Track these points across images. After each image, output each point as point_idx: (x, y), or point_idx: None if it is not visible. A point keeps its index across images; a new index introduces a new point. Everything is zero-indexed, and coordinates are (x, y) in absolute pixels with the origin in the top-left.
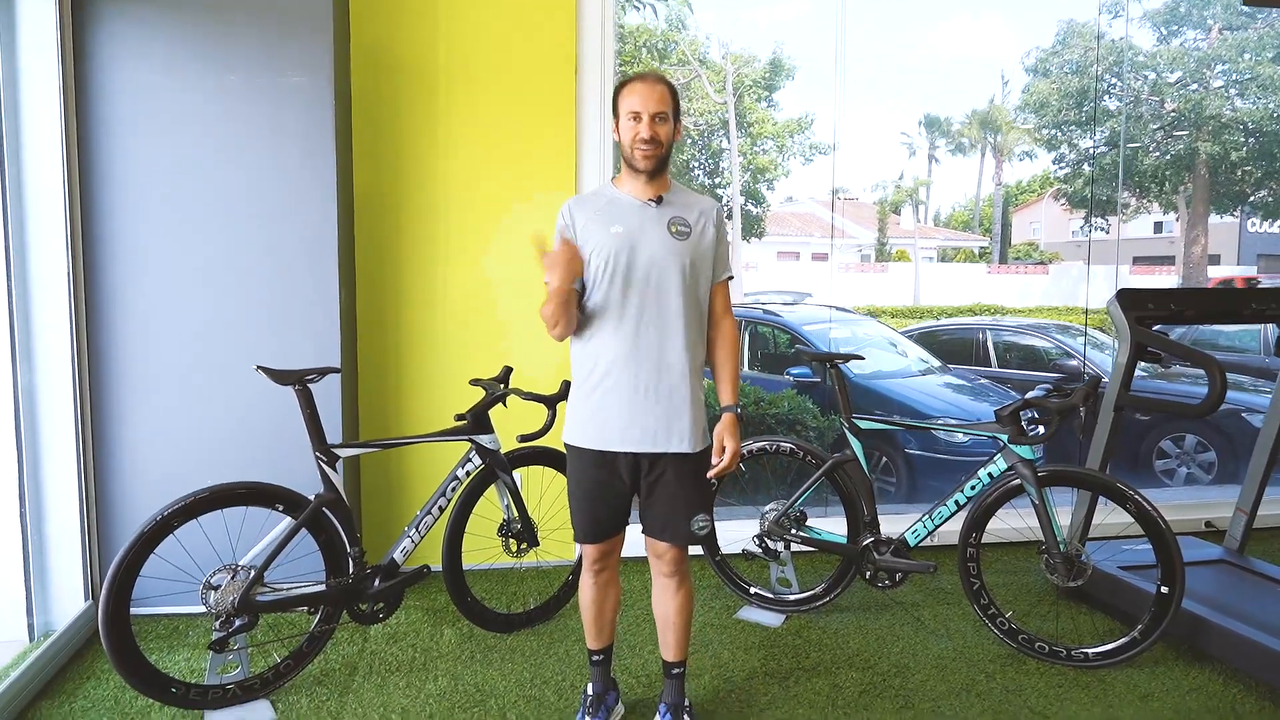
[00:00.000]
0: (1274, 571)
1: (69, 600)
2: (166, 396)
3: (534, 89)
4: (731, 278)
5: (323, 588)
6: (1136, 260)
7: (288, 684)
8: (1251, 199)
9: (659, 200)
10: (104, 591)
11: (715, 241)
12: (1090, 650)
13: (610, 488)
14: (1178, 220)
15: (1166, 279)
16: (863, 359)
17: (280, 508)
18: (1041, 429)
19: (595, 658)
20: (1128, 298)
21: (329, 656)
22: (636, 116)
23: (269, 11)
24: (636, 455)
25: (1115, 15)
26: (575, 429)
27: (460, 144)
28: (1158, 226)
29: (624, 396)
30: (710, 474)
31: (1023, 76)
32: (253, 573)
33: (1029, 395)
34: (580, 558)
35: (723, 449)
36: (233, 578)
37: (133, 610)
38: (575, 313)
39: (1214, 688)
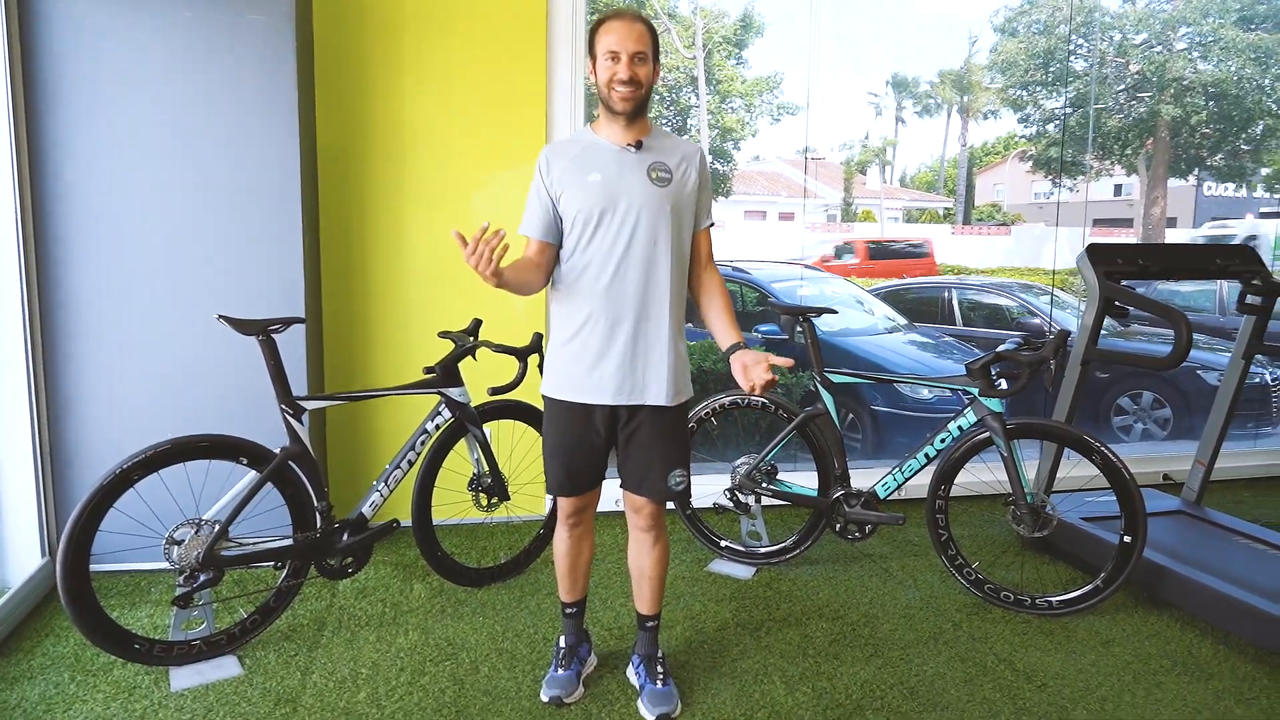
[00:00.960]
0: (1230, 522)
1: (25, 556)
2: (125, 347)
3: (504, 31)
4: (714, 224)
5: (289, 542)
6: (1097, 222)
7: (254, 639)
8: (1209, 162)
9: (639, 145)
10: (61, 546)
11: (698, 188)
12: (1054, 598)
13: (586, 440)
14: (1138, 182)
15: (1127, 240)
16: (835, 313)
17: (245, 461)
18: (1010, 383)
19: (568, 610)
20: (1097, 252)
21: (297, 612)
22: (614, 56)
23: None
24: (614, 408)
25: None
26: (552, 381)
27: (428, 87)
28: (1117, 189)
29: (602, 348)
30: (752, 395)
31: (991, 36)
32: (217, 527)
33: (1000, 349)
34: (552, 511)
35: (754, 378)
36: (196, 532)
37: (93, 567)
38: (536, 275)
39: (1171, 633)
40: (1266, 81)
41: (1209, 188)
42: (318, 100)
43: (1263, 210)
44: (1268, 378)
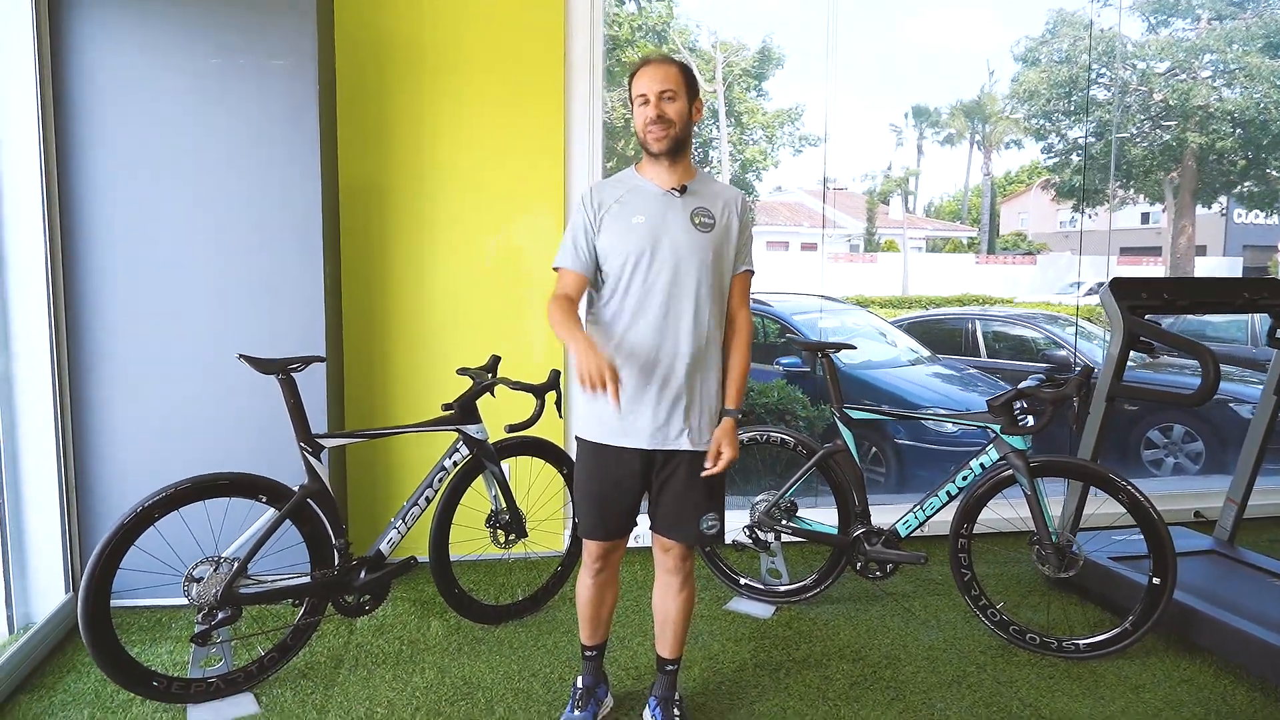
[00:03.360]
0: (1264, 562)
1: (49, 592)
2: (148, 385)
3: (522, 74)
4: (752, 271)
5: (307, 580)
6: (1124, 251)
7: (271, 677)
8: (1237, 190)
9: (683, 190)
10: (84, 583)
11: (739, 234)
12: (1081, 641)
13: (620, 485)
14: (1164, 211)
15: (1154, 269)
16: (854, 348)
17: (264, 499)
18: (1034, 419)
19: (588, 652)
20: (1121, 287)
21: (314, 649)
22: (645, 100)
23: None
24: (650, 451)
25: (1105, 4)
26: (588, 423)
27: (447, 129)
28: (1144, 217)
29: (638, 391)
30: (703, 474)
31: (1011, 66)
32: (236, 564)
33: (1021, 385)
34: (570, 549)
35: (719, 454)
36: (215, 570)
37: (114, 603)
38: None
39: (1205, 679)
40: None
41: (1238, 215)
42: (340, 141)
43: None
44: None
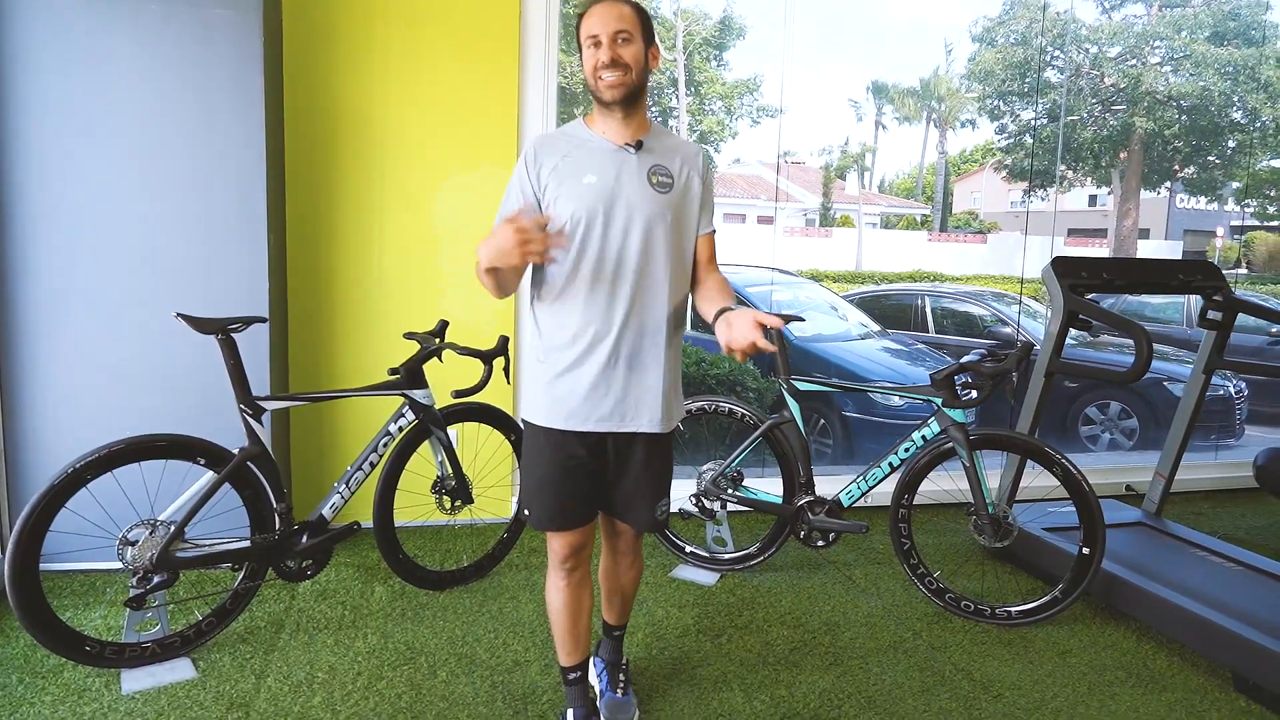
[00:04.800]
0: (1189, 534)
1: None
2: (82, 343)
3: (476, 26)
4: (714, 231)
5: (247, 544)
6: (1071, 232)
7: (210, 642)
8: (1181, 175)
9: (638, 145)
10: (10, 546)
11: (701, 193)
12: (1013, 609)
13: (579, 469)
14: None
15: (1100, 251)
16: (803, 320)
17: (202, 461)
18: (975, 393)
19: (571, 675)
20: (1062, 265)
21: (254, 614)
22: (595, 41)
23: None
24: (605, 435)
25: None
26: (537, 405)
27: (397, 83)
28: (1092, 200)
29: (596, 371)
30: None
31: (969, 45)
32: (172, 528)
33: (964, 359)
34: (516, 515)
35: (735, 337)
36: (151, 533)
37: (45, 566)
38: (516, 275)
39: (1128, 645)
40: (1237, 96)
41: (1181, 200)
42: (285, 96)
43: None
44: (1231, 390)
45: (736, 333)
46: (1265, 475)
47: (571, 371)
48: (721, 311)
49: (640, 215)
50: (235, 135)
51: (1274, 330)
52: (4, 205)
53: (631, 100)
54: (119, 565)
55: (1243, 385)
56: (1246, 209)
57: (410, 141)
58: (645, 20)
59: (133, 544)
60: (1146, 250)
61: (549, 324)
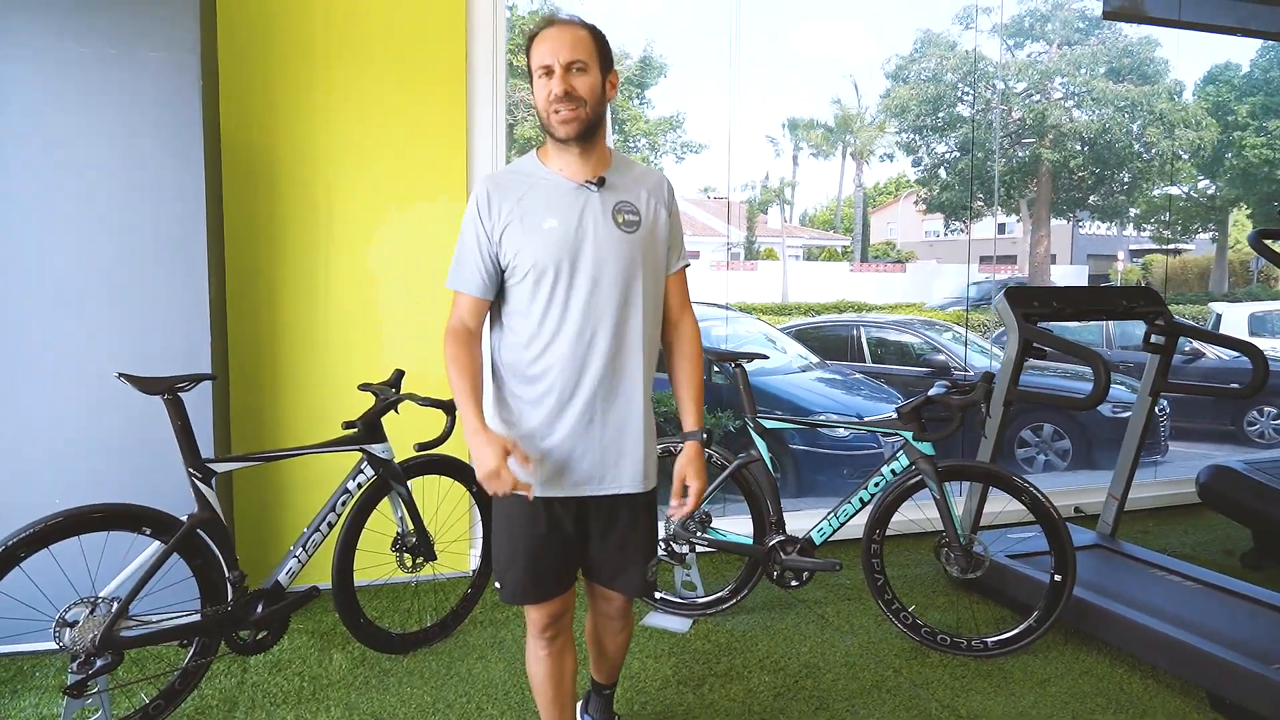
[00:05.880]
0: (1144, 554)
1: None
2: (14, 411)
3: (421, 60)
4: (688, 265)
5: (198, 617)
6: (983, 259)
7: None
8: (1088, 203)
9: (600, 182)
10: None
11: (668, 225)
12: (989, 639)
13: (553, 536)
14: (1019, 222)
15: (1013, 277)
16: (766, 357)
17: (148, 531)
18: (941, 425)
19: None
20: (1015, 295)
21: (204, 692)
22: (548, 71)
23: None
24: (584, 499)
25: (967, 27)
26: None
27: (341, 124)
28: (1000, 228)
29: (568, 430)
30: (672, 515)
31: (883, 82)
32: (116, 605)
33: (930, 392)
34: (479, 568)
35: (684, 490)
36: (92, 612)
37: None
38: (478, 347)
39: (1102, 670)
40: (1135, 128)
41: (1083, 226)
42: (223, 140)
43: (1132, 248)
44: (1156, 410)
45: (692, 495)
46: (1208, 492)
47: (542, 432)
48: (689, 435)
49: (609, 261)
50: (172, 182)
51: (1187, 349)
52: None
53: (589, 134)
54: (53, 645)
55: (1165, 404)
56: (1143, 233)
57: (356, 179)
58: (602, 45)
59: (71, 625)
60: (1056, 275)
61: (514, 384)
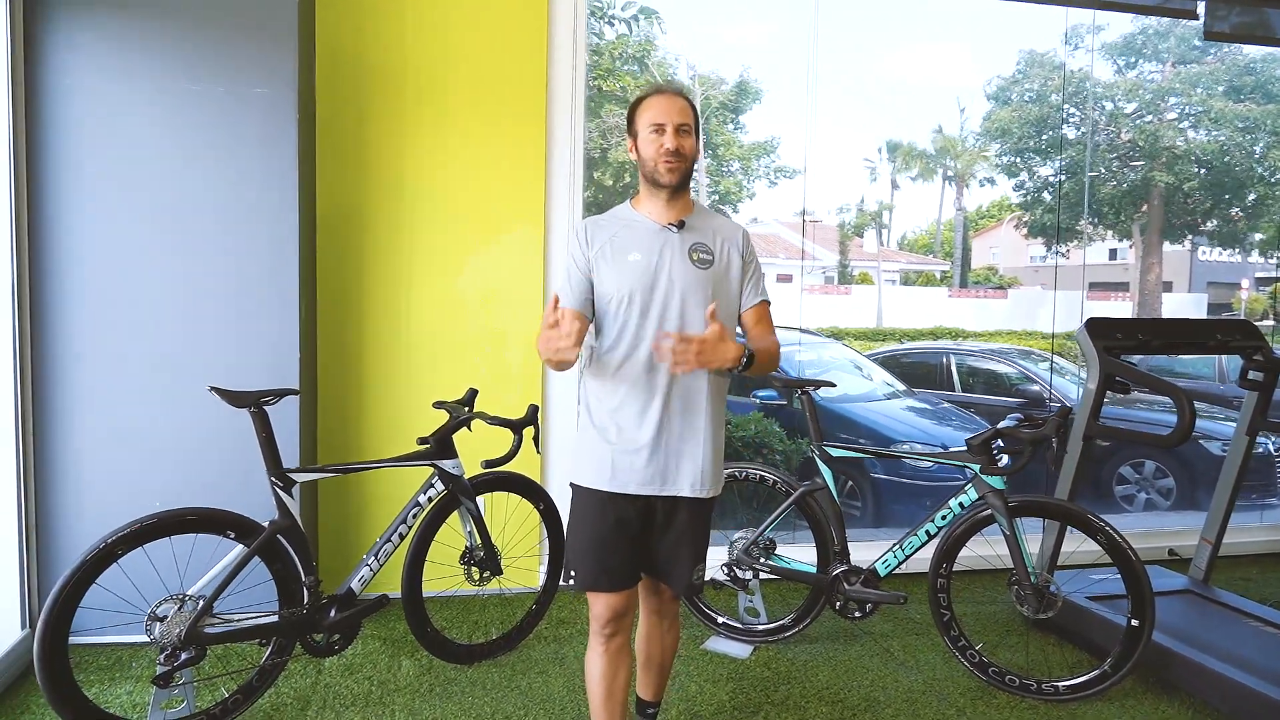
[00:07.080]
0: (1239, 603)
1: (4, 629)
2: (115, 418)
3: (504, 102)
4: (768, 301)
5: (275, 619)
6: (1092, 286)
7: (235, 719)
8: (1203, 228)
9: (680, 225)
10: (41, 621)
11: (742, 270)
12: (1061, 683)
13: (623, 531)
14: (1131, 247)
15: (1122, 304)
16: (834, 385)
17: (232, 535)
18: (1012, 459)
19: None
20: (1096, 327)
21: (280, 690)
22: (659, 129)
23: (230, 20)
24: (650, 498)
25: (1075, 47)
26: (585, 469)
27: (427, 157)
28: (1112, 254)
29: (641, 437)
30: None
31: (984, 104)
32: (201, 603)
33: (1000, 425)
34: (545, 585)
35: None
36: (180, 608)
37: (73, 640)
38: (579, 351)
39: None
40: (1257, 150)
41: (1203, 253)
42: (318, 169)
43: (1258, 275)
44: (1270, 448)
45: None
46: None
47: (618, 437)
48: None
49: (681, 289)
50: (268, 208)
51: None
52: (40, 279)
53: (682, 185)
54: (146, 639)
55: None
56: (1271, 260)
57: (440, 212)
58: (697, 115)
59: (161, 619)
60: (1171, 304)
61: (596, 392)
